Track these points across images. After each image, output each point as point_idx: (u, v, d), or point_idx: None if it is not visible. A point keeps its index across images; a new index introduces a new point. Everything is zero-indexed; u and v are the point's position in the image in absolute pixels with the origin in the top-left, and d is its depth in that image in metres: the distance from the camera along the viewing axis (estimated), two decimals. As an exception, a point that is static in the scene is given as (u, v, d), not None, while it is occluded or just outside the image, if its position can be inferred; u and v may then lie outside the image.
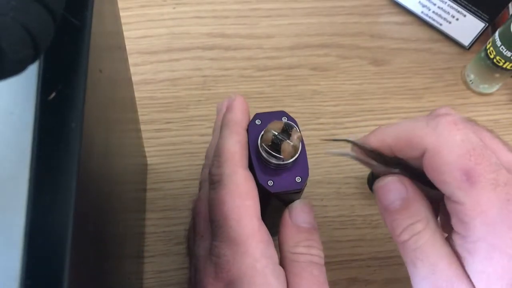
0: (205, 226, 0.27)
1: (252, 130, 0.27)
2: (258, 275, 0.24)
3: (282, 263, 0.26)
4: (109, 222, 0.23)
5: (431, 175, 0.23)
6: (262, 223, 0.25)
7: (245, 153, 0.26)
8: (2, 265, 0.15)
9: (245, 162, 0.26)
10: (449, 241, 0.24)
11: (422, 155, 0.23)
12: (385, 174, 0.25)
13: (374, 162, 0.26)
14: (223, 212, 0.25)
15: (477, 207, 0.22)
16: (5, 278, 0.15)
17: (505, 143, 0.24)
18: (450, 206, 0.23)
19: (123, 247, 0.28)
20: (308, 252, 0.26)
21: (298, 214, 0.27)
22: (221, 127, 0.28)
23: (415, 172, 0.25)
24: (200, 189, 0.30)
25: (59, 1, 0.16)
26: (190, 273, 0.28)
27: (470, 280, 0.22)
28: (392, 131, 0.25)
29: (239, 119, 0.27)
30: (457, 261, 0.23)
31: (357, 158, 0.26)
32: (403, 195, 0.24)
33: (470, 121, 0.24)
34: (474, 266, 0.22)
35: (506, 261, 0.22)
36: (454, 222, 0.23)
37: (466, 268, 0.23)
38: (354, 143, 0.26)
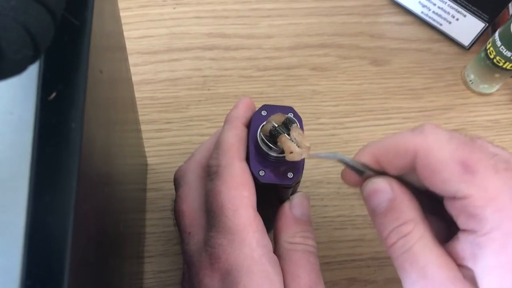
0: (190, 223, 0.27)
1: (256, 119, 0.27)
2: (256, 263, 0.24)
3: (277, 252, 0.26)
4: (109, 222, 0.23)
5: (429, 179, 0.23)
6: (258, 213, 0.25)
7: (243, 146, 0.26)
8: (2, 265, 0.15)
9: (242, 154, 0.26)
10: (451, 245, 0.23)
11: (412, 163, 0.23)
12: None
13: (365, 169, 0.25)
14: (219, 202, 0.25)
15: (485, 195, 0.21)
16: (5, 278, 0.15)
17: (490, 142, 0.24)
18: (455, 206, 0.22)
19: (123, 247, 0.28)
20: (304, 242, 0.26)
21: (297, 207, 0.27)
22: (224, 123, 0.28)
23: (408, 187, 0.25)
24: (176, 189, 0.30)
25: (59, 1, 0.16)
26: (183, 271, 0.28)
27: (471, 281, 0.22)
28: (379, 144, 0.25)
29: (240, 114, 0.28)
30: (451, 263, 0.22)
31: (347, 164, 0.25)
32: (389, 195, 0.24)
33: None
34: (486, 260, 0.21)
35: None
36: (462, 221, 0.22)
37: (475, 267, 0.22)
38: (342, 161, 0.25)
